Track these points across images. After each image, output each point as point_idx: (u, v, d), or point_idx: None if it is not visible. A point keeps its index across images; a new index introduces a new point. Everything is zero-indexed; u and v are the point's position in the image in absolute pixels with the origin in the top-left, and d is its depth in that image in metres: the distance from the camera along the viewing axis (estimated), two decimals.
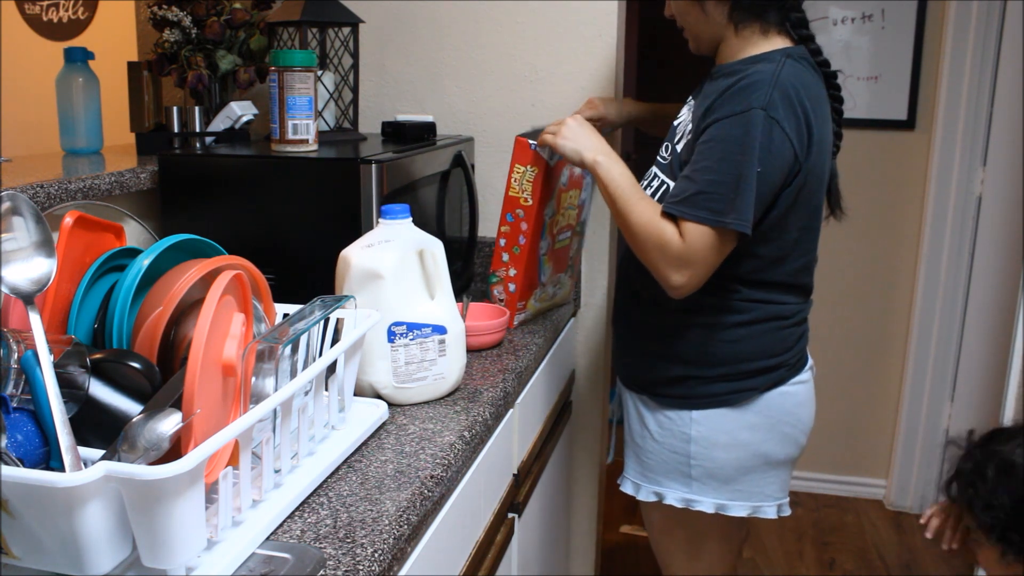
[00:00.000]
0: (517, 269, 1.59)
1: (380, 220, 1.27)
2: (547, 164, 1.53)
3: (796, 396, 1.47)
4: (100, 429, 0.89)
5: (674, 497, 1.49)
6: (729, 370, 1.43)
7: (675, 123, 1.48)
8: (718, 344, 1.43)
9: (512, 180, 1.55)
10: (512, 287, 1.61)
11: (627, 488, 1.57)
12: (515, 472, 1.50)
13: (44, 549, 0.74)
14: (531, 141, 1.53)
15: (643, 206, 1.36)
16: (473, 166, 1.88)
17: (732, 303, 1.42)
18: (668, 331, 1.47)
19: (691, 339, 1.44)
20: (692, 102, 1.47)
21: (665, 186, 1.41)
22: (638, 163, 3.67)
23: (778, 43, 1.38)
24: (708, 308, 1.42)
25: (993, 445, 1.22)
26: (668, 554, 1.62)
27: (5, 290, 0.86)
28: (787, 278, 1.43)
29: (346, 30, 1.73)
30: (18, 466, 0.79)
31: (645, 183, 1.46)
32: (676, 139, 1.43)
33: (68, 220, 1.04)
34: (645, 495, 1.54)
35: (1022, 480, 1.16)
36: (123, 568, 0.78)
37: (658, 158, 1.47)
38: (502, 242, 1.60)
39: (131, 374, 0.93)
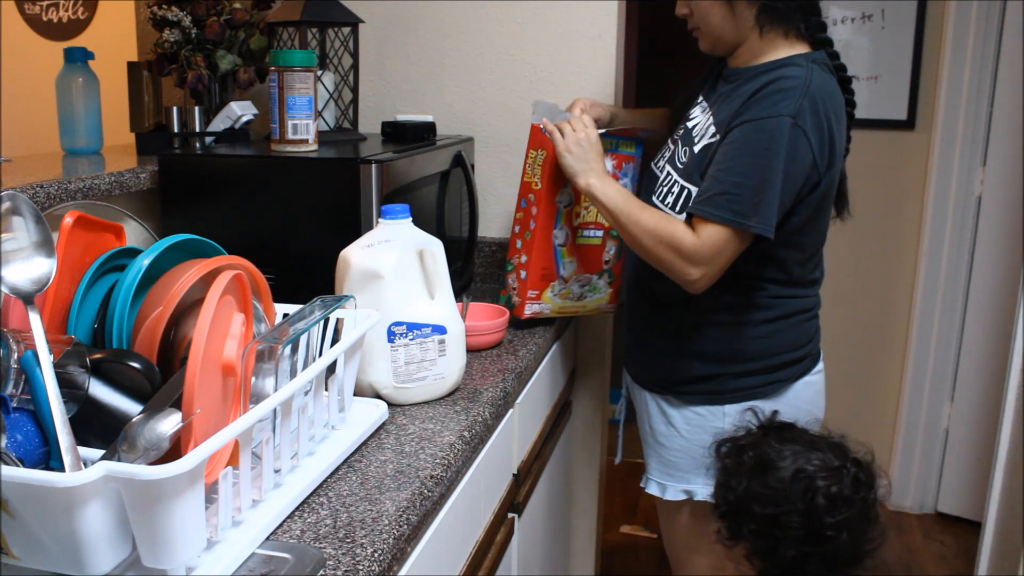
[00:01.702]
0: (528, 256, 1.58)
1: (380, 220, 1.27)
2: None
3: (816, 385, 1.52)
4: (100, 429, 0.89)
5: (707, 493, 1.49)
6: (761, 364, 1.46)
7: (689, 125, 1.47)
8: (749, 341, 1.45)
9: (526, 165, 1.56)
10: (524, 274, 1.59)
11: (652, 489, 1.57)
12: (515, 472, 1.50)
13: (44, 549, 0.74)
14: (543, 125, 1.53)
15: (647, 214, 1.39)
16: (473, 166, 1.88)
17: (760, 300, 1.44)
18: (695, 332, 1.47)
19: (720, 338, 1.46)
20: (704, 103, 1.47)
21: (687, 191, 1.40)
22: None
23: (798, 47, 1.39)
24: (736, 307, 1.44)
25: (773, 439, 1.22)
26: (690, 551, 1.62)
27: (5, 290, 0.86)
28: (806, 275, 1.48)
29: (346, 30, 1.73)
30: (18, 466, 0.79)
31: (664, 189, 1.45)
32: (695, 142, 1.43)
33: (68, 220, 1.04)
34: (673, 494, 1.54)
35: (767, 483, 1.14)
36: (123, 568, 0.78)
37: (676, 163, 1.46)
38: (516, 228, 1.59)
39: (131, 374, 0.93)
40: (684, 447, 1.51)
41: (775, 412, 1.35)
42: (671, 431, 1.52)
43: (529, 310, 1.61)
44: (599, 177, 1.44)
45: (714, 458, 1.28)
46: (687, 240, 1.34)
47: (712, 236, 1.32)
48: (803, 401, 1.49)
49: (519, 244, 1.60)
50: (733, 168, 1.32)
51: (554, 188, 1.56)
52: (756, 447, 1.21)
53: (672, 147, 1.50)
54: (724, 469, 1.23)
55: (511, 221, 1.98)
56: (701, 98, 1.50)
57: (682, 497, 1.53)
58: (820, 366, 1.53)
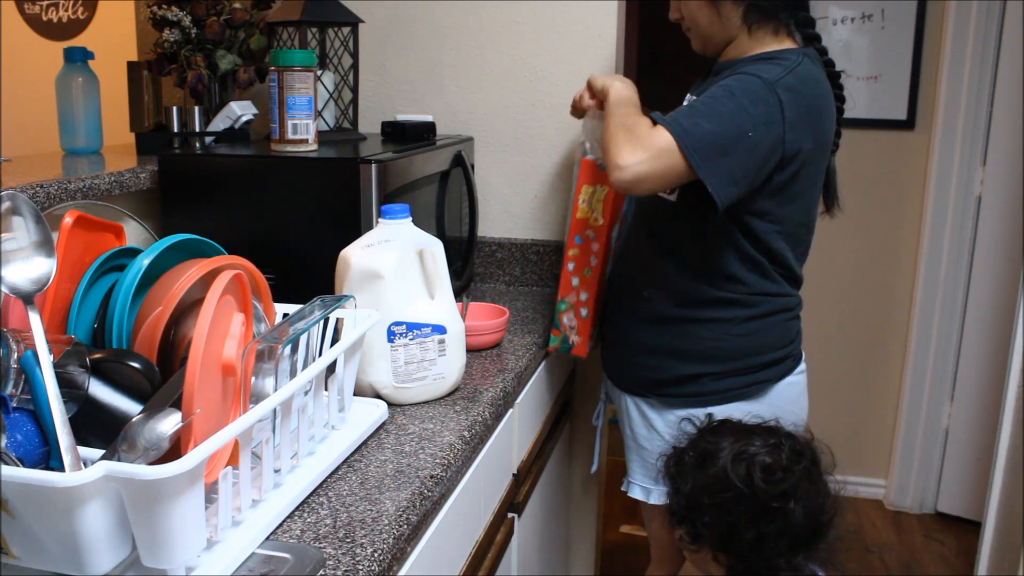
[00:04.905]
0: (589, 292, 1.55)
1: (380, 220, 1.27)
2: None
3: (798, 386, 1.52)
4: (100, 429, 0.89)
5: None
6: (743, 364, 1.45)
7: None
8: (731, 339, 1.44)
9: (579, 201, 1.53)
10: (584, 312, 1.56)
11: (636, 493, 1.57)
12: (515, 472, 1.50)
13: (44, 549, 0.74)
14: (599, 161, 1.50)
15: (632, 109, 1.37)
16: (473, 166, 1.88)
17: (740, 297, 1.43)
18: (677, 329, 1.47)
19: (702, 336, 1.45)
20: (691, 98, 1.48)
21: None
22: None
23: (787, 44, 1.41)
24: (717, 303, 1.43)
25: (708, 435, 1.26)
26: (678, 552, 1.62)
27: (5, 290, 0.86)
28: (787, 271, 1.47)
29: (346, 30, 1.73)
30: (18, 466, 0.79)
31: None
32: None
33: (68, 220, 1.05)
34: (657, 498, 1.54)
35: (709, 473, 1.18)
36: (123, 568, 0.78)
37: None
38: (570, 266, 1.55)
39: (131, 374, 0.93)
40: (667, 451, 1.50)
41: (709, 415, 1.37)
42: (653, 435, 1.52)
43: (590, 347, 1.60)
44: (623, 82, 1.43)
45: (662, 471, 1.30)
46: (644, 127, 1.31)
47: (659, 135, 1.29)
48: (785, 401, 1.48)
49: (575, 282, 1.55)
50: (698, 98, 1.34)
51: (612, 223, 1.55)
52: (695, 446, 1.25)
53: None
54: (670, 477, 1.26)
55: (511, 221, 1.99)
56: (689, 94, 1.51)
57: (667, 501, 1.53)
58: (802, 367, 1.53)
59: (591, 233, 1.54)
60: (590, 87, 1.48)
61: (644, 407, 1.53)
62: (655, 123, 1.32)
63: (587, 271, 1.55)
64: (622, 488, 1.61)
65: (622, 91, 1.41)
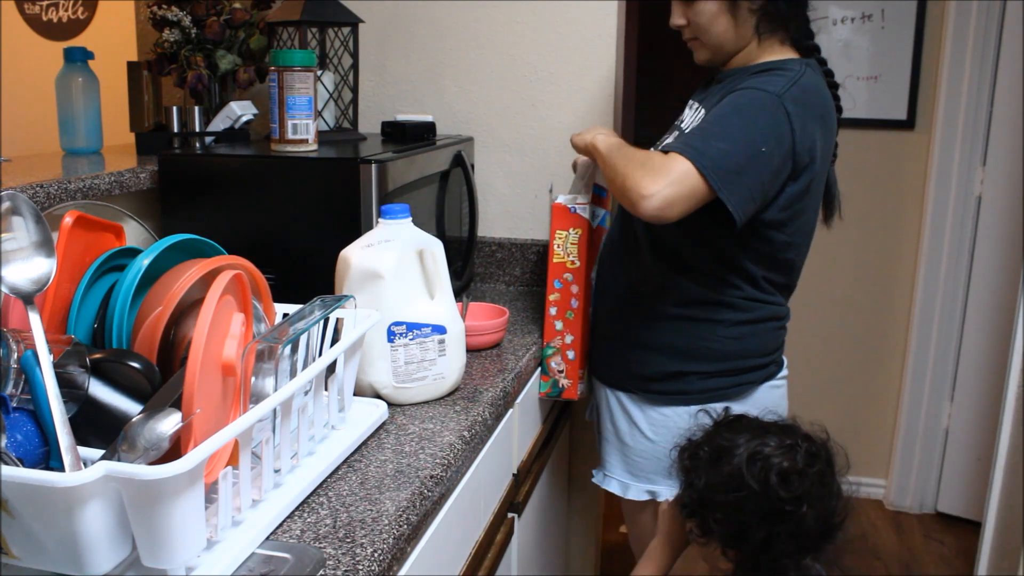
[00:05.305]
0: (574, 335, 1.57)
1: (380, 220, 1.27)
2: (589, 225, 1.54)
3: (781, 389, 1.54)
4: (100, 429, 0.89)
5: (671, 495, 1.49)
6: (730, 366, 1.46)
7: (682, 126, 1.48)
8: (722, 341, 1.45)
9: (555, 246, 1.55)
10: (571, 354, 1.58)
11: (612, 487, 1.57)
12: (515, 472, 1.50)
13: (44, 549, 0.74)
14: (570, 204, 1.54)
15: (628, 148, 1.39)
16: (473, 166, 1.88)
17: (736, 301, 1.44)
18: (665, 323, 1.48)
19: (695, 334, 1.46)
20: (695, 103, 1.48)
21: None
22: None
23: (791, 54, 1.43)
24: (712, 304, 1.44)
25: (724, 431, 1.25)
26: (663, 554, 1.62)
27: (5, 290, 0.86)
28: (788, 278, 1.48)
29: (346, 30, 1.73)
30: (18, 466, 0.79)
31: None
32: (684, 130, 1.45)
33: (68, 220, 1.05)
34: (636, 494, 1.54)
35: (724, 471, 1.18)
36: (123, 568, 0.78)
37: (660, 146, 1.48)
38: (552, 311, 1.57)
39: (131, 374, 0.93)
40: (649, 449, 1.51)
41: (727, 408, 1.37)
42: (635, 431, 1.52)
43: (581, 389, 1.62)
44: (604, 135, 1.46)
45: (676, 462, 1.30)
46: (657, 158, 1.31)
47: (675, 161, 1.28)
48: (768, 403, 1.49)
49: (559, 325, 1.57)
50: (705, 118, 1.35)
51: (591, 265, 1.57)
52: (710, 441, 1.24)
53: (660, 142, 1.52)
54: (683, 470, 1.26)
55: (511, 221, 1.99)
56: (692, 100, 1.52)
57: (645, 498, 1.53)
58: (785, 371, 1.55)
59: (569, 276, 1.56)
60: (575, 146, 1.51)
61: (626, 402, 1.53)
62: (666, 153, 1.32)
63: (570, 313, 1.57)
64: (594, 480, 1.61)
65: (609, 137, 1.44)
